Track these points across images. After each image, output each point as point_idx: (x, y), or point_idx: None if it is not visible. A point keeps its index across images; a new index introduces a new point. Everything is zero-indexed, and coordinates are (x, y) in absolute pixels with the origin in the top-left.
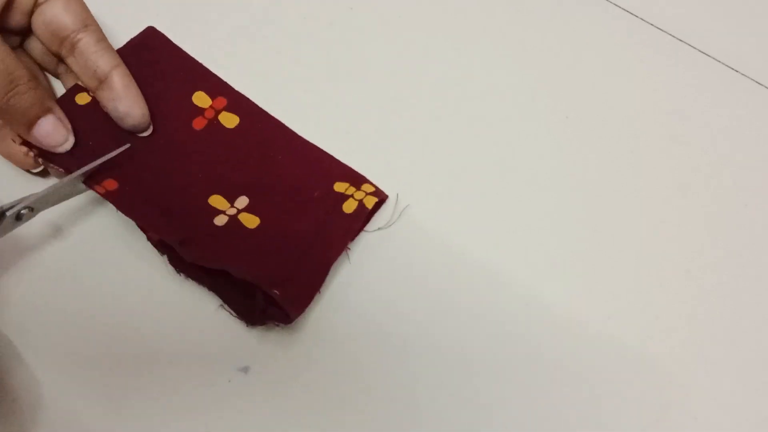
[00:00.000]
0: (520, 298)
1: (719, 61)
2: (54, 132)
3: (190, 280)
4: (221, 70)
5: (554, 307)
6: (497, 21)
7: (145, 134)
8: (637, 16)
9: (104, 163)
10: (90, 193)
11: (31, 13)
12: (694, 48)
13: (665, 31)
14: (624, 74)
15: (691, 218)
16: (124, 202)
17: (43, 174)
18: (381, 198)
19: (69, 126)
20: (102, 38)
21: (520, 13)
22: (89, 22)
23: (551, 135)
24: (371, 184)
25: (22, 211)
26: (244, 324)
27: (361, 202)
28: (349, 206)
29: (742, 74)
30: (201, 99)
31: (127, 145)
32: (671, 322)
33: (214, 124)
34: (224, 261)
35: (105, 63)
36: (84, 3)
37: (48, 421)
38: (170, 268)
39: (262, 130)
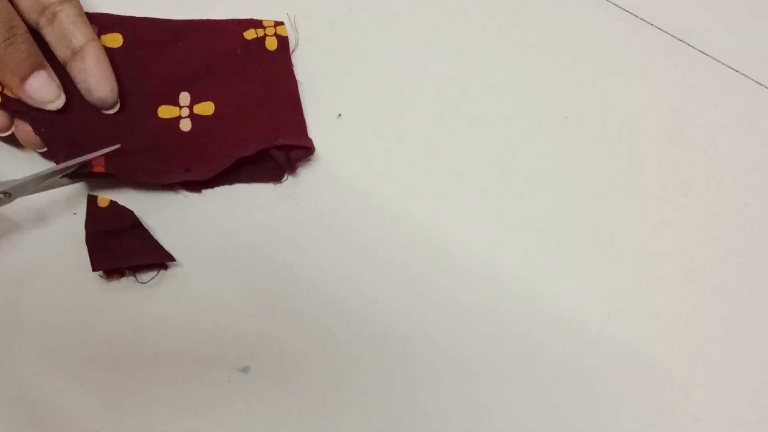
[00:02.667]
0: (520, 298)
1: (719, 61)
2: (46, 87)
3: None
4: None
5: (554, 307)
6: (497, 21)
7: (111, 111)
8: (637, 16)
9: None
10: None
11: None
12: (694, 48)
13: (665, 31)
14: (624, 74)
15: (691, 218)
16: (116, 169)
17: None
18: (281, 28)
19: (60, 84)
20: (82, 13)
21: (520, 13)
22: None
23: (551, 135)
24: (267, 20)
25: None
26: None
27: (276, 35)
28: (270, 44)
29: (742, 74)
30: None
31: (117, 146)
32: (671, 322)
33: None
34: (225, 155)
35: (81, 35)
36: None
37: (48, 421)
38: (168, 269)
39: (148, 30)
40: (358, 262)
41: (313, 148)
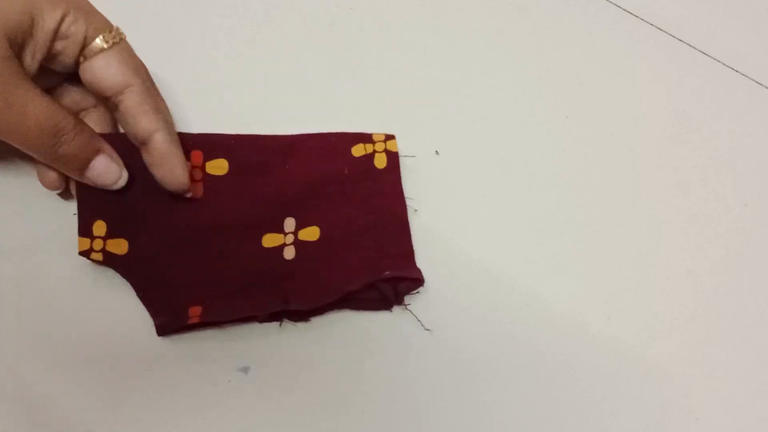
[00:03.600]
0: (520, 298)
1: (719, 61)
2: (107, 171)
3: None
4: (221, 71)
5: (554, 307)
6: (497, 21)
7: (188, 195)
8: (637, 16)
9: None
10: None
11: (78, 62)
12: (694, 48)
13: (665, 31)
14: (624, 74)
15: (691, 218)
16: (214, 315)
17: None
18: (392, 143)
19: (120, 162)
20: (142, 100)
21: (520, 13)
22: (131, 82)
23: (551, 135)
24: (377, 134)
25: None
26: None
27: (386, 151)
28: (379, 161)
29: (742, 74)
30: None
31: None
32: (671, 322)
33: (207, 180)
34: (327, 290)
35: (144, 128)
36: (132, 54)
37: (48, 421)
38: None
39: (255, 152)
40: None
41: (423, 280)
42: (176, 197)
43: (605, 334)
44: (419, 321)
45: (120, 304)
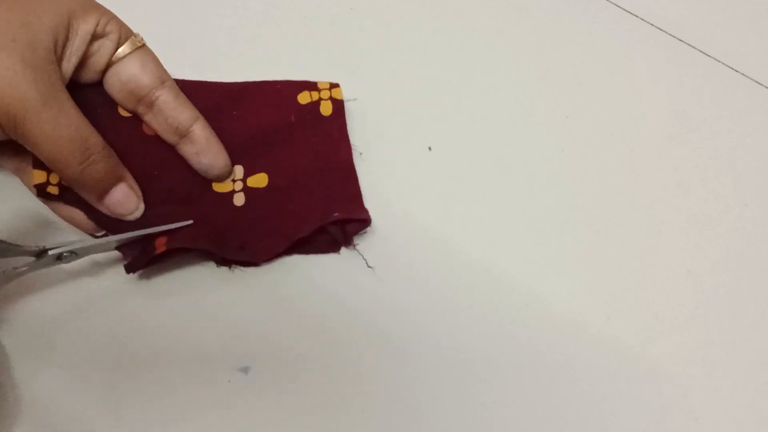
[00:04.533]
0: (520, 298)
1: (719, 61)
2: (125, 201)
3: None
4: (220, 70)
5: (554, 307)
6: (497, 21)
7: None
8: (637, 16)
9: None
10: None
11: (104, 70)
12: (694, 48)
13: (665, 31)
14: (624, 74)
15: (691, 218)
16: (178, 241)
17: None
18: (337, 90)
19: (140, 193)
20: (179, 93)
21: (520, 13)
22: (165, 78)
23: (551, 135)
24: (322, 81)
25: (64, 254)
26: (338, 252)
27: (331, 98)
28: (325, 108)
29: (742, 74)
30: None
31: (190, 221)
32: (671, 322)
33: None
34: (280, 231)
35: (186, 118)
36: (157, 58)
37: (48, 421)
38: (168, 269)
39: (203, 97)
40: (357, 262)
41: (370, 220)
42: (132, 136)
43: (605, 334)
44: (364, 259)
45: (120, 304)
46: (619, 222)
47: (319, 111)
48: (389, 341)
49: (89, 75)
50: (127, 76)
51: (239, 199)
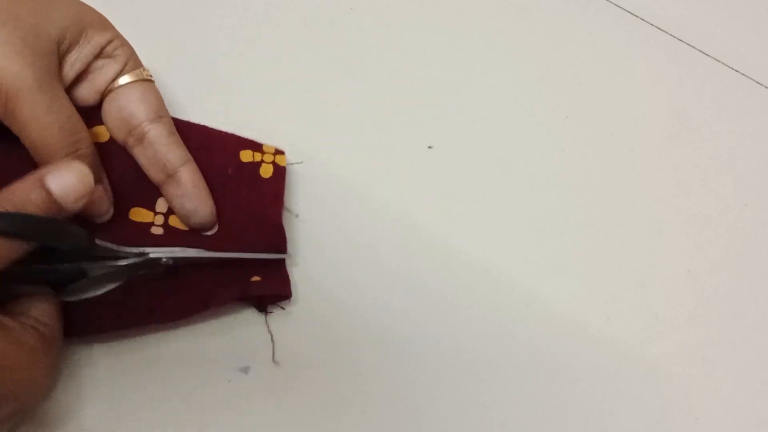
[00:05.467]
0: (520, 298)
1: (719, 61)
2: (99, 200)
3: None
4: (221, 71)
5: (554, 307)
6: (497, 21)
7: (210, 233)
8: (637, 16)
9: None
10: None
11: (104, 93)
12: (694, 48)
13: (665, 31)
14: (624, 74)
15: (691, 218)
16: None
17: None
18: (281, 157)
19: (112, 198)
20: (173, 131)
21: (520, 13)
22: (162, 113)
23: (551, 135)
24: (267, 145)
25: (163, 259)
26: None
27: (274, 164)
28: (265, 171)
29: (742, 74)
30: None
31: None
32: (671, 322)
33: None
34: (192, 300)
35: (175, 158)
36: (159, 94)
37: (48, 421)
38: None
39: None
40: (358, 262)
41: (290, 294)
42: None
43: (605, 334)
44: (271, 334)
45: None
46: (619, 222)
47: (258, 172)
48: (389, 341)
49: (84, 92)
50: (124, 102)
51: (156, 230)
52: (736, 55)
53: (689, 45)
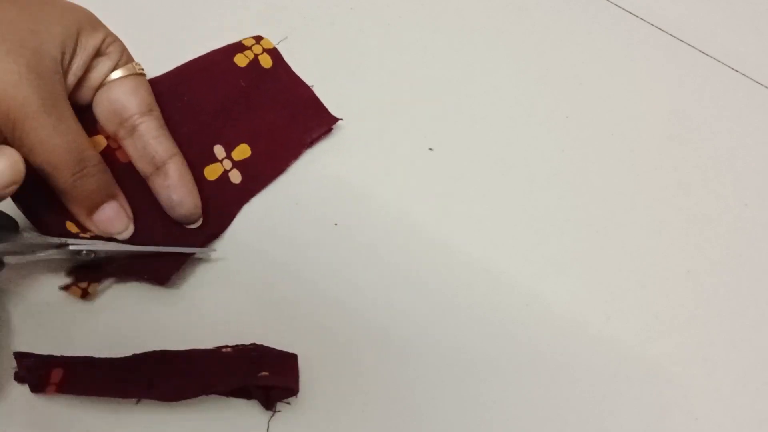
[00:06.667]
0: (520, 298)
1: (719, 61)
2: (116, 218)
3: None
4: None
5: (554, 307)
6: (497, 21)
7: (193, 226)
8: (637, 16)
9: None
10: None
11: (98, 88)
12: (694, 48)
13: (665, 31)
14: (624, 74)
15: (691, 218)
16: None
17: None
18: (265, 41)
19: (131, 213)
20: (163, 125)
21: (520, 13)
22: (153, 107)
23: (551, 135)
24: (245, 39)
25: (83, 252)
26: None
27: (265, 51)
28: (264, 62)
29: (742, 74)
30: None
31: (214, 251)
32: (671, 322)
33: (120, 143)
34: (192, 383)
35: (164, 149)
36: (150, 89)
37: (47, 421)
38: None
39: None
40: (358, 262)
41: (297, 390)
42: (112, 164)
43: (605, 334)
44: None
45: (121, 304)
46: (619, 222)
47: (261, 66)
48: (389, 341)
49: (84, 92)
50: (116, 95)
51: (235, 177)
52: (736, 55)
53: (689, 45)
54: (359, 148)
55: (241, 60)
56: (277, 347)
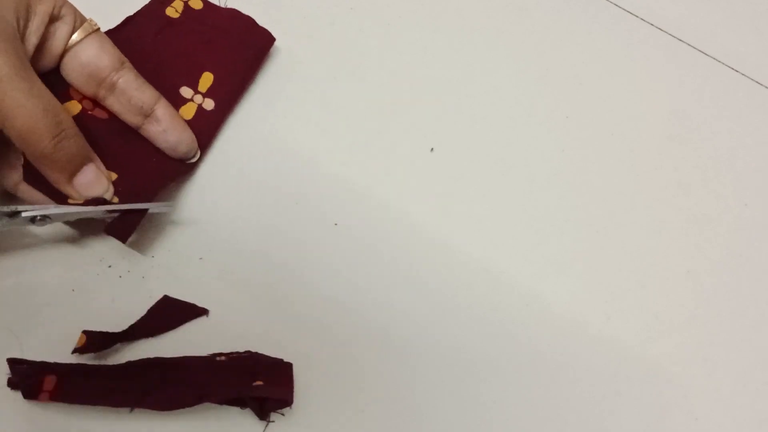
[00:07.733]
0: (520, 298)
1: (719, 61)
2: (96, 181)
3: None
4: None
5: (554, 307)
6: (497, 21)
7: (193, 160)
8: (637, 16)
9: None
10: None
11: (61, 55)
12: (694, 48)
13: (665, 31)
14: (624, 74)
15: (691, 218)
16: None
17: None
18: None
19: (108, 176)
20: (137, 74)
21: (520, 13)
22: (123, 59)
23: (551, 135)
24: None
25: (38, 217)
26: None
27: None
28: (195, 3)
29: (742, 74)
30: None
31: (171, 206)
32: (671, 322)
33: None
34: (187, 395)
35: (149, 97)
36: (112, 42)
37: (47, 421)
38: (168, 270)
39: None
40: (358, 262)
41: (291, 401)
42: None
43: (605, 334)
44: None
45: (121, 304)
46: (619, 222)
47: (193, 10)
48: (389, 341)
49: (46, 60)
50: (86, 58)
51: (209, 104)
52: (736, 55)
53: (689, 45)
54: (359, 148)
55: (171, 12)
56: (276, 347)
